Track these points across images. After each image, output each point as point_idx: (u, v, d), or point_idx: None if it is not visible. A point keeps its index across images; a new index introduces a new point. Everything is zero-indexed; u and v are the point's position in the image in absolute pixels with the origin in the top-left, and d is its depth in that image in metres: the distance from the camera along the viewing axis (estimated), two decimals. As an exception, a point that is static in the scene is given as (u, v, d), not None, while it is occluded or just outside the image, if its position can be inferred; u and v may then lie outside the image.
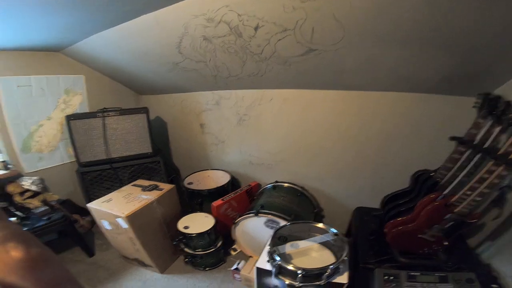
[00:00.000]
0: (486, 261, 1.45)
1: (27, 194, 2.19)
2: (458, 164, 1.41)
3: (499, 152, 1.17)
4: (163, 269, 2.13)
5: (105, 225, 1.97)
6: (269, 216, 1.90)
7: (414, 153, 1.88)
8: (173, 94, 2.81)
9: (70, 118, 2.25)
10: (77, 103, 2.55)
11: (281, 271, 1.48)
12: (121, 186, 2.24)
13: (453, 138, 1.45)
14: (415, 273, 1.28)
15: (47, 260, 0.52)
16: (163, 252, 2.13)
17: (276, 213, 1.90)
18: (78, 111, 2.53)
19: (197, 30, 1.62)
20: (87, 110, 2.59)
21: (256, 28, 1.48)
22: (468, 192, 1.26)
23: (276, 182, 2.42)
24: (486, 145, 1.30)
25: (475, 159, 1.34)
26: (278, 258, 1.47)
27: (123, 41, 1.92)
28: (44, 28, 1.70)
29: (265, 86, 2.20)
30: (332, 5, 1.21)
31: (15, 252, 0.46)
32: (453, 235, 1.37)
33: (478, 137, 1.34)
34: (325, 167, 2.26)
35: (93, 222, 2.54)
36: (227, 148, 2.72)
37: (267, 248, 1.64)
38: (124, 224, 1.82)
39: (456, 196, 1.30)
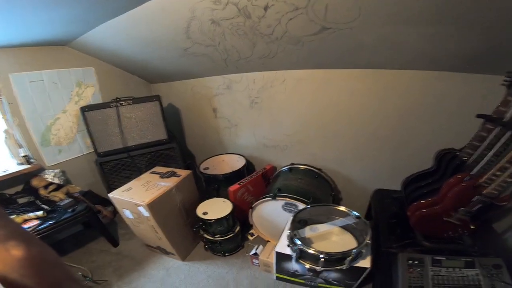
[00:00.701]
0: (515, 246, 1.40)
1: (51, 187, 2.27)
2: (486, 142, 1.32)
3: (535, 130, 1.08)
4: (184, 256, 2.18)
5: (127, 214, 2.02)
6: (287, 199, 1.88)
7: (436, 132, 1.78)
8: (184, 81, 2.77)
9: (84, 109, 2.27)
10: (90, 94, 2.56)
11: (302, 255, 1.49)
12: (139, 174, 2.27)
13: (480, 116, 1.35)
14: (440, 258, 1.26)
15: (48, 259, 0.52)
16: (184, 239, 2.18)
17: (294, 196, 1.88)
18: (92, 103, 2.54)
19: (204, 14, 1.54)
20: (100, 101, 2.60)
21: (265, 8, 1.39)
22: (498, 173, 1.19)
23: (292, 164, 2.39)
24: (517, 123, 1.21)
25: (505, 137, 1.25)
26: (299, 242, 1.46)
27: (129, 30, 1.86)
28: (46, 22, 1.67)
29: (276, 68, 2.11)
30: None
31: (16, 251, 0.46)
32: (481, 219, 1.32)
33: (508, 115, 1.25)
34: (342, 148, 2.20)
35: (115, 212, 2.62)
36: (240, 131, 2.70)
37: (286, 232, 1.64)
38: (145, 212, 1.85)
39: (485, 177, 1.23)
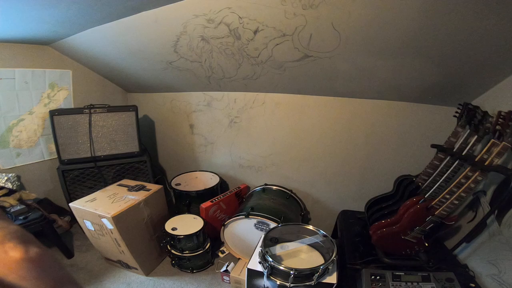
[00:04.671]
0: (463, 261, 1.55)
1: (2, 191, 2.06)
2: (438, 170, 1.52)
3: (476, 159, 1.28)
4: (148, 272, 2.08)
5: (88, 225, 1.90)
6: (259, 218, 1.92)
7: (399, 159, 1.99)
8: (164, 93, 2.78)
9: (54, 113, 2.15)
10: (62, 98, 2.45)
11: (273, 272, 1.50)
12: (105, 186, 2.17)
13: (434, 146, 1.57)
14: (400, 273, 1.35)
15: (46, 260, 0.52)
16: (149, 254, 2.08)
17: (267, 215, 1.92)
18: (62, 107, 2.43)
19: (196, 30, 1.63)
20: (71, 106, 2.49)
21: (255, 32, 1.53)
22: (447, 196, 1.36)
23: (266, 184, 2.45)
24: (464, 153, 1.42)
25: (454, 165, 1.45)
26: (270, 259, 1.49)
27: (118, 37, 1.88)
28: (34, 21, 1.63)
29: (258, 90, 2.24)
30: (332, 15, 1.28)
31: (14, 252, 0.46)
32: (433, 237, 1.47)
33: (457, 145, 1.46)
34: (314, 172, 2.32)
35: (72, 223, 2.45)
36: (216, 150, 2.72)
37: (258, 249, 1.66)
38: (109, 225, 1.76)
39: (436, 200, 1.39)
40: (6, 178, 2.10)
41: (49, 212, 2.26)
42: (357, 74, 1.69)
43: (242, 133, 2.51)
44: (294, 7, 1.27)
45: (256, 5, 1.33)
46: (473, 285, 1.36)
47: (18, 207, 2.01)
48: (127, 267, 2.05)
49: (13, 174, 2.17)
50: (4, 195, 2.06)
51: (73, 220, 2.13)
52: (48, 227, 2.08)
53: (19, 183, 2.21)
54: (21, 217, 1.94)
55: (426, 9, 1.12)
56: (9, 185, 2.11)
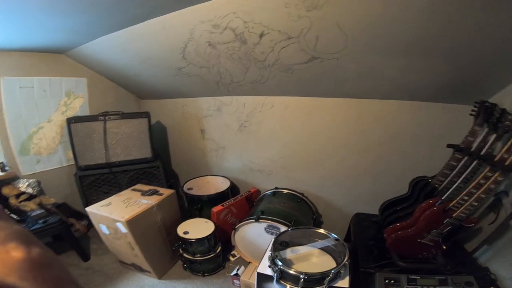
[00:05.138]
0: (484, 265, 1.48)
1: (23, 196, 2.16)
2: (455, 170, 1.45)
3: (496, 159, 1.21)
4: (160, 275, 2.10)
5: (103, 229, 1.95)
6: (269, 222, 1.91)
7: (413, 160, 1.92)
8: (175, 99, 2.83)
9: (71, 121, 2.24)
10: (78, 105, 2.55)
11: (282, 276, 1.48)
12: (119, 191, 2.23)
13: (450, 146, 1.51)
14: (415, 277, 1.30)
15: (48, 261, 0.51)
16: (162, 257, 2.11)
17: (277, 219, 1.91)
18: (79, 114, 2.52)
19: (202, 36, 1.66)
20: (87, 113, 2.58)
21: (261, 36, 1.53)
22: (466, 198, 1.30)
23: (276, 188, 2.44)
24: (482, 152, 1.35)
25: (472, 165, 1.38)
26: (280, 263, 1.47)
27: (128, 45, 1.94)
28: (49, 30, 1.71)
29: (266, 93, 2.24)
30: (336, 14, 1.27)
31: (16, 253, 0.45)
32: (451, 239, 1.40)
33: (475, 144, 1.39)
34: (325, 174, 2.29)
35: (89, 226, 2.51)
36: (227, 154, 2.74)
37: (268, 253, 1.64)
38: (123, 229, 1.80)
39: (454, 202, 1.33)
40: (27, 183, 2.20)
41: (67, 216, 2.34)
42: (366, 74, 1.66)
43: (252, 137, 2.51)
44: (297, 9, 1.27)
45: (260, 9, 1.34)
46: (494, 288, 1.29)
47: (38, 211, 2.09)
48: (141, 270, 2.09)
49: (34, 180, 2.26)
50: (25, 200, 2.15)
51: (90, 224, 2.19)
52: (66, 231, 2.16)
53: (39, 188, 2.29)
54: (40, 221, 2.02)
55: (432, 3, 1.08)
56: (30, 190, 2.20)
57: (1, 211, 0.52)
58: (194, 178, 2.75)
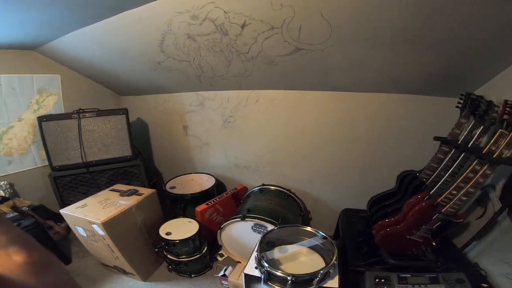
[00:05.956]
0: (474, 260, 1.47)
1: (-6, 200, 2.03)
2: (443, 164, 1.43)
3: (483, 151, 1.18)
4: (145, 277, 2.03)
5: (80, 231, 1.86)
6: (256, 220, 1.86)
7: (401, 154, 1.90)
8: (155, 95, 2.71)
9: (42, 119, 2.10)
10: (51, 104, 2.40)
11: (270, 277, 1.44)
12: (98, 191, 2.12)
13: (437, 138, 1.48)
14: (406, 275, 1.28)
15: (49, 264, 0.53)
16: (145, 259, 2.03)
17: (263, 217, 1.86)
18: (52, 112, 2.37)
19: (181, 28, 1.56)
20: (62, 111, 2.44)
21: (242, 26, 1.45)
22: (454, 192, 1.27)
23: (263, 185, 2.38)
24: (469, 145, 1.32)
25: (459, 158, 1.36)
26: (266, 265, 1.42)
27: (103, 39, 1.82)
28: (17, 24, 1.59)
29: (251, 87, 2.16)
30: (320, 3, 1.20)
31: (17, 256, 0.46)
32: (440, 235, 1.38)
33: (461, 137, 1.36)
34: (313, 169, 2.25)
35: (69, 229, 2.39)
36: (211, 150, 2.66)
37: (254, 254, 1.59)
38: (100, 231, 1.71)
39: (442, 196, 1.31)
40: (-3, 186, 2.06)
41: (45, 218, 2.22)
42: (351, 66, 1.61)
43: (237, 133, 2.44)
44: (280, -3, 1.19)
45: (240, -3, 1.25)
46: (485, 285, 1.28)
47: (11, 215, 1.97)
48: (124, 272, 2.01)
49: (5, 182, 2.14)
50: (-4, 203, 2.02)
51: (69, 226, 2.11)
52: (42, 234, 2.04)
53: (12, 191, 2.17)
54: (14, 224, 1.89)
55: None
56: (1, 193, 2.08)
57: (2, 216, 0.53)
58: (178, 176, 2.66)
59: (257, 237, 1.78)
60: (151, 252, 2.04)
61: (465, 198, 1.25)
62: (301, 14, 1.28)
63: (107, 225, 1.69)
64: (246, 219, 1.86)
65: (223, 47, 1.67)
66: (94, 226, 1.70)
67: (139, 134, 2.86)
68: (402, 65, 1.49)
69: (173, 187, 2.49)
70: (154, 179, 2.89)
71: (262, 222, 1.84)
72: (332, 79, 1.78)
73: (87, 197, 2.01)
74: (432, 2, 1.06)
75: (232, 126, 2.43)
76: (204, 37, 1.61)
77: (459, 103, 1.42)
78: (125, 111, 2.33)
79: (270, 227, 1.80)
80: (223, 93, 2.33)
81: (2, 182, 2.11)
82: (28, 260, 0.47)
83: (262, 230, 1.86)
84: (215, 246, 2.17)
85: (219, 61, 1.84)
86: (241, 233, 1.97)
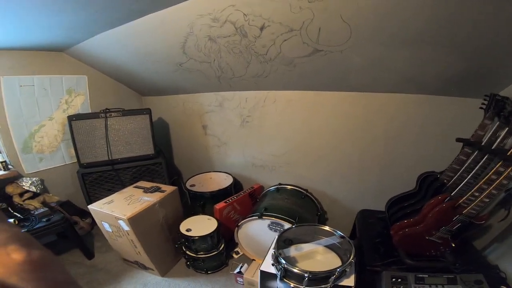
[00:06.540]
0: (494, 262, 1.43)
1: (27, 195, 2.16)
2: (465, 165, 1.40)
3: (508, 153, 1.16)
4: (164, 272, 2.10)
5: (106, 227, 1.95)
6: (273, 218, 1.88)
7: (420, 155, 1.87)
8: (176, 95, 2.80)
9: (72, 118, 2.23)
10: (79, 103, 2.53)
11: (286, 274, 1.46)
12: (122, 188, 2.21)
13: (459, 140, 1.45)
14: (423, 275, 1.27)
15: (48, 263, 0.51)
16: (165, 255, 2.10)
17: (280, 216, 1.87)
18: (80, 112, 2.51)
19: (202, 30, 1.62)
20: (89, 111, 2.57)
21: (261, 28, 1.48)
22: (476, 194, 1.25)
23: (280, 184, 2.40)
24: (493, 147, 1.30)
25: (482, 160, 1.33)
26: (283, 261, 1.44)
27: (128, 41, 1.91)
28: (48, 27, 1.69)
29: (269, 88, 2.19)
30: (339, 6, 1.21)
31: (16, 255, 0.45)
32: (460, 237, 1.36)
33: (485, 139, 1.34)
34: (330, 170, 2.24)
35: (93, 224, 2.52)
36: (229, 150, 2.71)
37: (271, 251, 1.62)
38: (125, 226, 1.79)
39: (464, 198, 1.29)
40: (30, 182, 2.20)
41: (71, 214, 2.35)
42: (370, 67, 1.60)
43: (254, 132, 2.47)
44: (299, 1, 1.22)
45: (260, 1, 1.29)
46: (504, 287, 1.25)
47: (42, 210, 2.09)
48: (144, 267, 2.08)
49: (37, 178, 2.27)
50: (28, 198, 2.16)
51: (94, 222, 2.20)
52: (69, 229, 2.15)
53: (42, 187, 2.30)
54: (44, 219, 2.01)
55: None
56: (33, 189, 2.20)
57: (0, 214, 0.52)
58: (197, 174, 2.73)
59: (273, 235, 1.80)
60: (170, 248, 2.11)
61: (487, 200, 1.22)
62: (320, 17, 1.29)
63: (132, 220, 1.76)
64: (263, 217, 1.88)
65: (242, 49, 1.71)
66: (120, 221, 1.78)
67: (160, 133, 2.96)
68: (422, 64, 1.47)
69: (193, 185, 2.56)
70: (175, 177, 2.99)
71: (279, 220, 1.86)
72: (349, 79, 1.78)
73: (112, 193, 2.10)
74: (453, 1, 1.04)
75: (250, 126, 2.47)
76: (224, 39, 1.65)
77: (483, 104, 1.39)
78: (148, 111, 2.43)
79: (287, 225, 1.82)
80: (242, 94, 2.37)
81: (34, 179, 2.24)
82: (27, 259, 0.46)
83: (278, 229, 1.88)
84: (231, 244, 2.21)
85: (238, 62, 1.88)
86: (257, 231, 2.00)
